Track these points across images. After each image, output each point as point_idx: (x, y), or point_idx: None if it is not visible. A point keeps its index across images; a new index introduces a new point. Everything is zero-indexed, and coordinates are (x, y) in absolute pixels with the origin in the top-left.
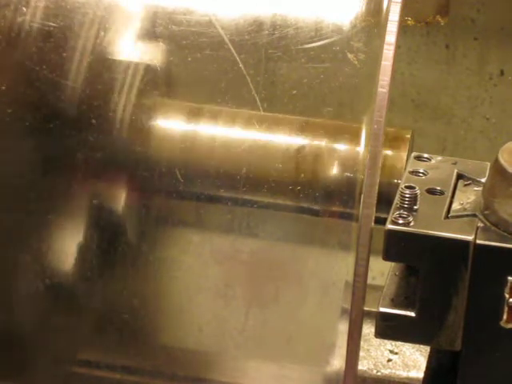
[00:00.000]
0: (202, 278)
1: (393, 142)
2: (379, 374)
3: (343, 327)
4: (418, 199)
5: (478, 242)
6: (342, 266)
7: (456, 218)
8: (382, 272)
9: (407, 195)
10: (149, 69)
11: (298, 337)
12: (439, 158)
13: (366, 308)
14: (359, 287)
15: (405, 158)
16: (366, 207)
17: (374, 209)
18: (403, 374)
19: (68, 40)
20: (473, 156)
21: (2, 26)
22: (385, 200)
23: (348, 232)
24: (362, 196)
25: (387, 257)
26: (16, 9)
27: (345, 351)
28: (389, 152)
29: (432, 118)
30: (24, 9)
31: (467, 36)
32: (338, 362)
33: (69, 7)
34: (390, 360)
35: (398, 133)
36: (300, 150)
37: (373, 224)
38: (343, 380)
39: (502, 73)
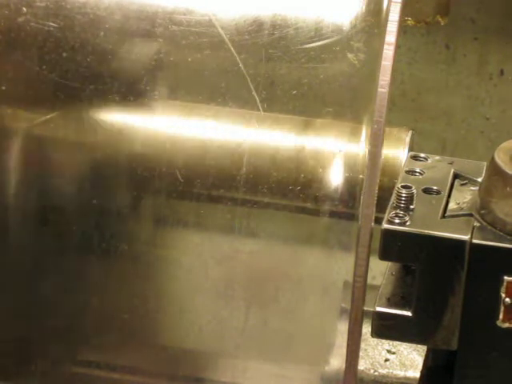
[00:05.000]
0: (202, 278)
1: (393, 141)
2: (376, 373)
3: (343, 327)
4: (415, 199)
5: (475, 241)
6: (342, 266)
7: (452, 218)
8: (382, 272)
9: (403, 195)
10: (149, 69)
11: (297, 337)
12: (436, 157)
13: (364, 308)
14: (359, 287)
15: (404, 158)
16: (366, 207)
17: (374, 209)
18: (400, 373)
19: (68, 40)
20: (473, 156)
21: (1, 26)
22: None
23: (348, 232)
24: (362, 196)
25: (383, 256)
26: (16, 9)
27: (345, 351)
28: (388, 152)
29: (432, 118)
30: (24, 9)
31: (467, 36)
32: (337, 362)
33: (69, 7)
34: (387, 360)
35: (398, 133)
36: (300, 150)
37: (373, 224)
38: (343, 380)
39: (502, 73)
